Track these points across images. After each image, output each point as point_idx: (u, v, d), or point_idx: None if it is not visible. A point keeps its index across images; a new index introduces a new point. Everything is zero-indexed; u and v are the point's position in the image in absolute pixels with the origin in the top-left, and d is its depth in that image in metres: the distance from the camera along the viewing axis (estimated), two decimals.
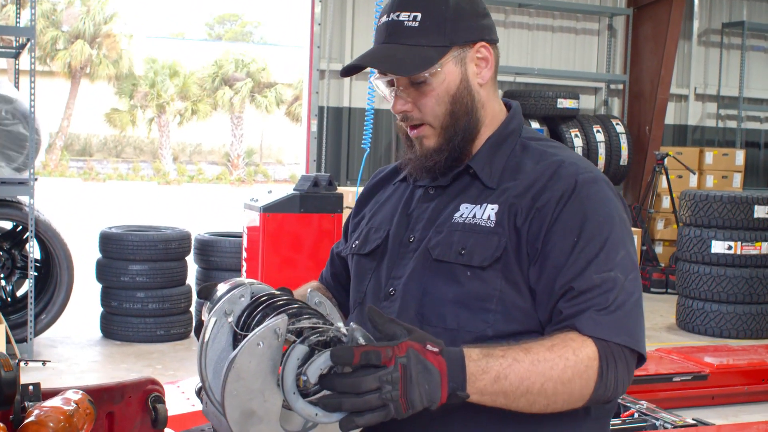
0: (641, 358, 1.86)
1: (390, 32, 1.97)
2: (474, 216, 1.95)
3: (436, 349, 1.62)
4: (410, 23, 1.95)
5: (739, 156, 12.79)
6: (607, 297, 1.81)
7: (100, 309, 8.06)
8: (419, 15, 1.94)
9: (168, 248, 7.93)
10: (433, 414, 1.65)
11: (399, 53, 1.94)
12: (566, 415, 1.83)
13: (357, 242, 2.17)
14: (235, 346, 1.67)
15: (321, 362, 1.55)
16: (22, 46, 8.34)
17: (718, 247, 8.78)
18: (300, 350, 1.56)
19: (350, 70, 2.03)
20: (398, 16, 1.96)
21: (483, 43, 2.00)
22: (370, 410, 1.54)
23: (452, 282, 1.92)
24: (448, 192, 2.04)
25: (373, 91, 8.48)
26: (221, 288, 1.80)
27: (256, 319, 1.68)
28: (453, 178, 2.04)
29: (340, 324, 1.66)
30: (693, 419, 5.02)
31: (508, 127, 2.07)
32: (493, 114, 2.06)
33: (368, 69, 2.01)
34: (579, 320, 1.80)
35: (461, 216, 1.97)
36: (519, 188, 1.94)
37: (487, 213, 1.94)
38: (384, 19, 1.99)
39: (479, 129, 2.03)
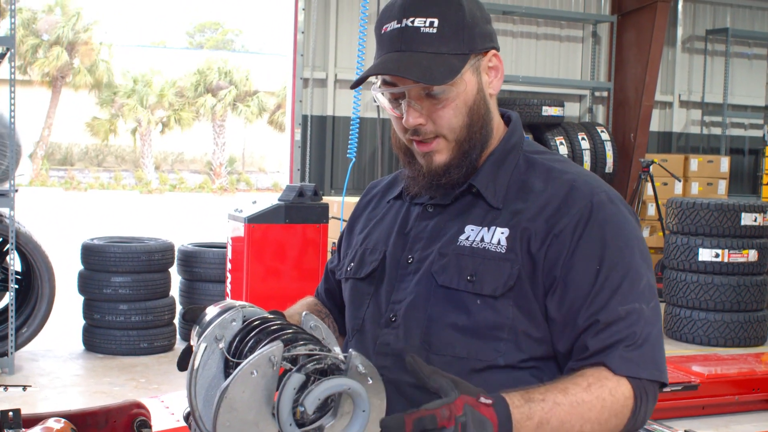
0: (663, 384, 1.82)
1: (406, 39, 1.83)
2: (482, 239, 1.85)
3: (489, 401, 1.54)
4: (427, 29, 1.81)
5: (724, 163, 12.79)
6: (634, 331, 1.76)
7: (83, 322, 7.96)
8: (436, 21, 1.81)
9: (151, 260, 7.84)
10: None
11: (423, 61, 1.80)
12: None
13: (352, 265, 2.06)
14: (226, 374, 1.59)
15: (319, 392, 1.47)
16: (2, 56, 8.23)
17: (706, 254, 8.75)
18: (297, 379, 1.48)
19: (363, 80, 1.90)
20: (413, 22, 1.82)
21: (494, 52, 1.90)
22: None
23: (461, 310, 1.83)
24: (449, 211, 1.93)
25: (359, 100, 8.42)
26: (210, 311, 1.71)
27: (249, 345, 1.59)
28: (455, 197, 1.93)
29: (338, 350, 1.58)
30: (685, 431, 4.97)
31: (510, 142, 1.97)
32: (495, 127, 1.96)
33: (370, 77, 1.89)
34: (609, 359, 1.75)
35: (467, 239, 1.87)
36: (531, 211, 1.84)
37: (497, 237, 1.84)
38: (394, 25, 1.84)
39: (490, 143, 1.94)
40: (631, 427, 1.76)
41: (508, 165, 1.94)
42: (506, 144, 1.97)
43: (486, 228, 1.86)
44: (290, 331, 1.59)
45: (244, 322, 1.65)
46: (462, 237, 1.88)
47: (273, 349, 1.50)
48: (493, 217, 1.88)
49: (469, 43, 1.85)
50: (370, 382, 1.55)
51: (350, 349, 1.56)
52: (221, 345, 1.62)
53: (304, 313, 1.72)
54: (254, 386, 1.49)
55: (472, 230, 1.88)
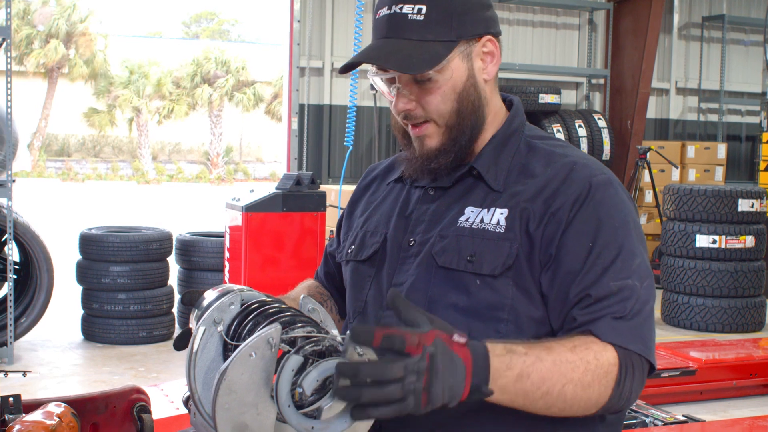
0: (651, 368, 1.79)
1: (393, 26, 1.85)
2: (482, 221, 1.86)
3: (462, 340, 1.51)
4: (414, 16, 1.83)
5: (721, 149, 12.80)
6: (625, 305, 1.74)
7: (81, 311, 7.96)
8: (424, 7, 1.83)
9: (149, 249, 7.84)
10: (436, 417, 1.57)
11: (405, 49, 1.82)
12: (579, 419, 1.75)
13: (353, 247, 2.07)
14: (225, 357, 1.60)
15: (317, 373, 1.48)
16: None
17: (703, 241, 8.76)
18: (295, 361, 1.49)
19: (350, 67, 1.91)
20: (401, 8, 1.84)
21: (489, 37, 1.91)
22: (387, 403, 1.41)
23: (461, 291, 1.83)
24: (450, 194, 1.95)
25: (356, 89, 8.42)
26: (209, 295, 1.72)
27: (248, 328, 1.60)
28: (455, 179, 1.94)
29: (336, 332, 1.59)
30: (683, 416, 4.99)
31: (512, 126, 1.98)
32: (495, 111, 1.97)
33: (360, 65, 1.90)
34: (596, 326, 1.73)
35: (467, 220, 1.88)
36: (530, 192, 1.85)
37: (496, 218, 1.85)
38: (384, 11, 1.86)
39: (484, 128, 1.94)
40: (615, 402, 1.73)
41: (509, 149, 1.95)
42: (508, 128, 1.98)
43: (486, 209, 1.87)
44: (288, 313, 1.60)
45: (242, 305, 1.66)
46: (462, 218, 1.89)
47: (271, 331, 1.51)
48: (493, 199, 1.89)
49: (458, 30, 1.86)
50: None
51: (348, 331, 1.57)
52: (220, 328, 1.63)
53: (302, 296, 1.73)
54: (253, 368, 1.50)
55: (472, 212, 1.89)
